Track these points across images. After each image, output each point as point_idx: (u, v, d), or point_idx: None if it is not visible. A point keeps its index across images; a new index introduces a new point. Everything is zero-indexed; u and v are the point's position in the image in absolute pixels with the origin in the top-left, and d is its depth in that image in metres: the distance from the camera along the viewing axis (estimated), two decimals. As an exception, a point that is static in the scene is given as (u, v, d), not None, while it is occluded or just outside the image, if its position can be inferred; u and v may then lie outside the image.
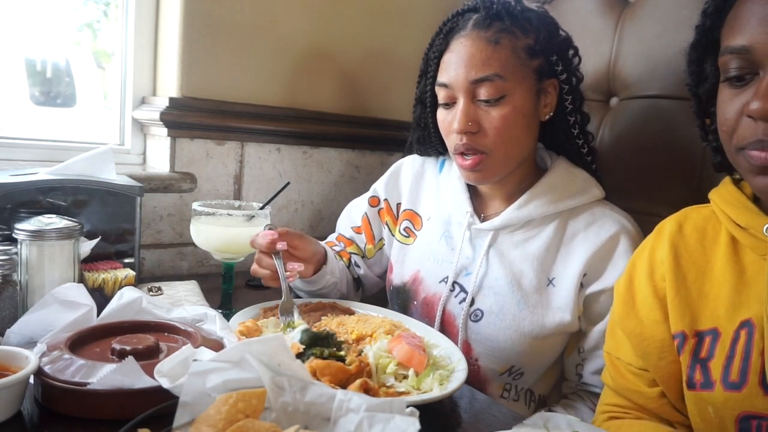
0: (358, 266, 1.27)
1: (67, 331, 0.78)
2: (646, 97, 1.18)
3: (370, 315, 1.01)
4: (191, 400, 0.57)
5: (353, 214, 1.29)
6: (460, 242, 1.10)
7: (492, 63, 0.98)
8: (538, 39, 1.01)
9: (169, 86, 1.37)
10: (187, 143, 1.37)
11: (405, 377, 0.79)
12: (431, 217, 1.18)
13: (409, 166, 1.25)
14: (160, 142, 1.40)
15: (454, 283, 1.09)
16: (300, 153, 1.54)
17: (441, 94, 1.04)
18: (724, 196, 0.75)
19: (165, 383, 0.61)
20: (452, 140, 1.04)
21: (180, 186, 1.35)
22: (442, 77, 1.03)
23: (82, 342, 0.76)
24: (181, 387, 0.58)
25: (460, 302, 1.07)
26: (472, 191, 1.14)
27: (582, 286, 1.01)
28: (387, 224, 1.26)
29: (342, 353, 0.81)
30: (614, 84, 1.24)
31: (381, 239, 1.26)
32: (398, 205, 1.25)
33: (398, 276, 1.20)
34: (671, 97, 1.13)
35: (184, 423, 0.56)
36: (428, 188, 1.22)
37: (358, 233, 1.27)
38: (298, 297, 1.18)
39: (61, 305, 0.82)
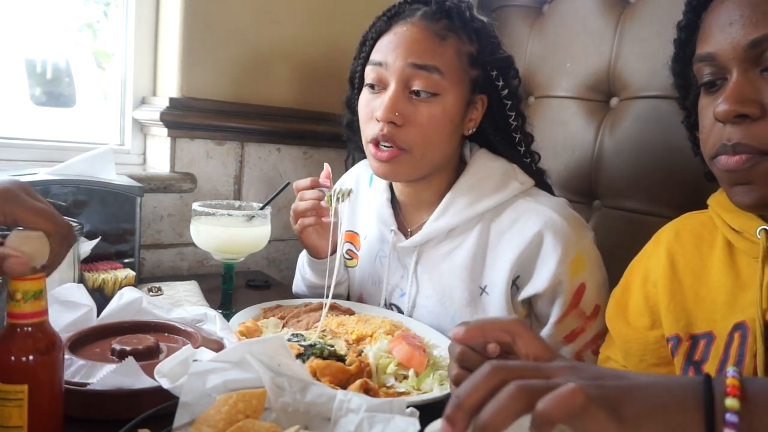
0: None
1: (67, 331, 0.78)
2: (646, 97, 1.18)
3: (370, 315, 1.01)
4: (191, 401, 0.57)
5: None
6: (388, 262, 1.07)
7: (435, 56, 0.94)
8: (482, 50, 0.98)
9: (169, 86, 1.37)
10: (187, 143, 1.37)
11: (405, 377, 0.79)
12: (367, 236, 1.14)
13: (347, 185, 1.20)
14: (160, 142, 1.40)
15: (391, 305, 1.08)
16: (300, 153, 1.54)
17: (371, 75, 0.98)
18: (720, 201, 0.76)
19: (165, 383, 0.61)
20: (371, 128, 0.97)
21: (180, 186, 1.35)
22: (376, 56, 0.98)
23: (82, 342, 0.77)
24: (181, 387, 0.58)
25: None
26: (396, 206, 1.10)
27: (517, 288, 0.97)
28: None
29: (342, 353, 0.81)
30: (614, 84, 1.24)
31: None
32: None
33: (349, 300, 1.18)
34: (671, 98, 1.13)
35: (184, 423, 0.56)
36: (362, 205, 1.18)
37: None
38: (298, 297, 1.18)
39: (61, 305, 0.82)
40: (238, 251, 1.03)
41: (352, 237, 1.18)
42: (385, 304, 1.08)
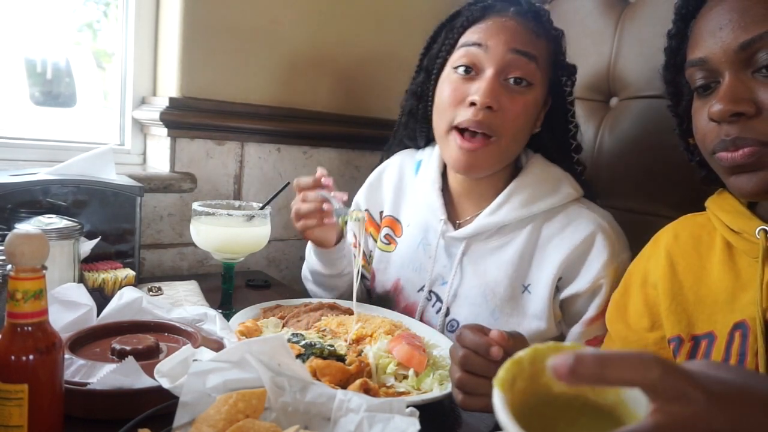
0: (366, 278, 1.24)
1: (67, 331, 0.78)
2: (646, 97, 1.18)
3: (370, 315, 1.01)
4: (191, 400, 0.57)
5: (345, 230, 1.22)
6: (435, 250, 1.07)
7: (534, 46, 0.97)
8: (558, 55, 1.02)
9: (169, 86, 1.37)
10: (187, 143, 1.37)
11: (405, 377, 0.79)
12: (410, 224, 1.14)
13: (391, 171, 1.22)
14: (160, 142, 1.40)
15: (431, 292, 1.08)
16: (300, 153, 1.54)
17: (464, 58, 0.98)
18: (719, 203, 0.78)
19: (165, 383, 0.61)
20: (460, 113, 0.96)
21: (180, 186, 1.35)
22: (473, 37, 0.98)
23: (82, 342, 0.77)
24: (181, 387, 0.58)
25: (437, 312, 1.06)
26: (447, 196, 1.10)
27: (558, 290, 0.98)
28: (371, 234, 1.22)
29: (342, 353, 0.81)
30: (614, 84, 1.24)
31: (371, 252, 1.23)
32: (381, 213, 1.21)
33: (380, 284, 1.18)
34: (671, 98, 1.13)
35: (184, 423, 0.56)
36: (407, 193, 1.18)
37: (354, 248, 1.23)
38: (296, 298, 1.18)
39: (61, 305, 0.82)
40: (238, 251, 1.03)
41: (392, 223, 1.18)
42: (425, 291, 1.08)
